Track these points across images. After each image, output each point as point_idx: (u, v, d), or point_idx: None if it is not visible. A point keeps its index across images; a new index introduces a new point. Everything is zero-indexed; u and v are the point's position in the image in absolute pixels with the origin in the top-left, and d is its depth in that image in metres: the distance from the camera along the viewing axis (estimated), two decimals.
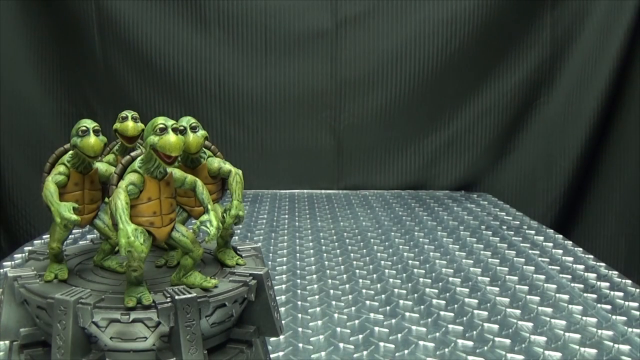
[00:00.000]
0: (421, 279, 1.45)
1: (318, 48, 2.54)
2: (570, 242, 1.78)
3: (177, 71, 2.52)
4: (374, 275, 1.47)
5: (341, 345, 1.10)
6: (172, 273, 0.78)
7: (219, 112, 2.56)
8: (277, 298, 1.02)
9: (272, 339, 0.95)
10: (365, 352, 1.07)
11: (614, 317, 1.21)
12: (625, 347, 1.08)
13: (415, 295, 1.34)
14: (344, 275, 1.48)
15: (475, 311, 1.25)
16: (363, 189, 2.63)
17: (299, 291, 1.37)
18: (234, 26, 2.52)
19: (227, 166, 0.86)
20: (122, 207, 0.68)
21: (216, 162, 0.86)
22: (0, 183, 2.54)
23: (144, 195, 0.71)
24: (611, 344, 1.09)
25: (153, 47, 2.50)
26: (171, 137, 0.70)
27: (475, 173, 2.66)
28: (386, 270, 1.51)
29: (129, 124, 0.85)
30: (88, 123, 0.77)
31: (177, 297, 0.70)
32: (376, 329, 1.17)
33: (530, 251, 1.68)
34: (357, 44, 2.54)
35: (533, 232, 1.89)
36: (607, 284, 1.40)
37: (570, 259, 1.60)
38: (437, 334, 1.14)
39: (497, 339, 1.11)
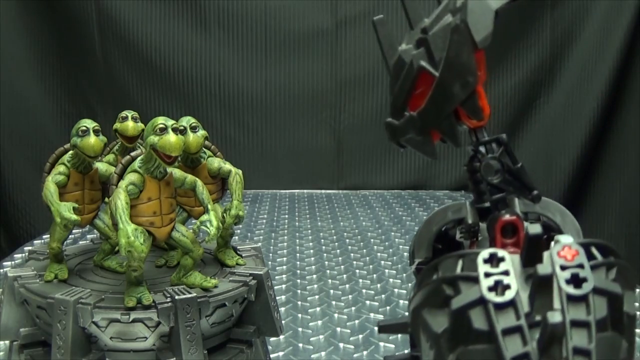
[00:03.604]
0: None
1: (318, 48, 2.54)
2: None
3: (177, 71, 2.52)
4: (374, 275, 1.47)
5: (341, 345, 1.10)
6: (172, 273, 0.78)
7: (219, 112, 2.56)
8: (277, 298, 1.02)
9: (272, 339, 0.95)
10: (365, 352, 1.07)
11: None
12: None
13: None
14: (344, 275, 1.48)
15: None
16: (363, 189, 2.63)
17: (299, 291, 1.37)
18: (234, 26, 2.52)
19: (227, 166, 0.86)
20: (122, 207, 0.68)
21: (216, 162, 0.86)
22: (0, 183, 2.54)
23: (144, 195, 0.72)
24: None
25: (153, 47, 2.50)
26: (171, 137, 0.70)
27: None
28: (386, 270, 1.51)
29: (129, 124, 0.85)
30: (88, 123, 0.77)
31: (177, 297, 0.70)
32: (376, 329, 1.17)
33: None
34: (357, 44, 2.54)
35: None
36: None
37: None
38: None
39: None
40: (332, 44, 2.54)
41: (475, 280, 0.41)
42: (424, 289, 0.45)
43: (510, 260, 0.41)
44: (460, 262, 0.45)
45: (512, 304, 0.39)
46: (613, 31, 2.46)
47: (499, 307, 0.39)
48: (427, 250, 0.59)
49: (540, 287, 0.39)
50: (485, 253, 0.42)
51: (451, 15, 0.47)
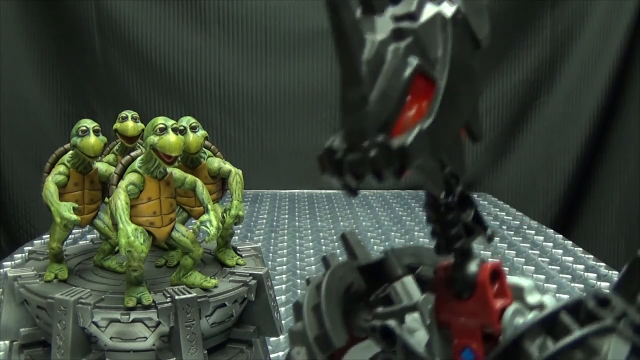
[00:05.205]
0: None
1: (318, 48, 2.54)
2: (570, 242, 1.77)
3: (177, 71, 2.52)
4: None
5: None
6: (172, 273, 0.78)
7: (219, 112, 2.56)
8: (277, 298, 1.02)
9: (272, 339, 0.95)
10: None
11: None
12: None
13: None
14: None
15: None
16: (363, 189, 2.62)
17: (299, 291, 1.37)
18: (234, 26, 2.52)
19: (227, 166, 0.86)
20: (122, 207, 0.68)
21: (216, 162, 0.86)
22: (0, 183, 2.54)
23: (144, 195, 0.72)
24: None
25: (153, 47, 2.50)
26: (171, 137, 0.70)
27: (475, 173, 2.66)
28: None
29: (129, 124, 0.85)
30: (88, 123, 0.77)
31: (177, 297, 0.70)
32: None
33: (530, 251, 1.68)
34: None
35: (533, 232, 1.89)
36: (607, 284, 1.40)
37: (570, 259, 1.60)
38: None
39: None
40: (332, 44, 2.54)
41: None
42: None
43: None
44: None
45: None
46: (613, 31, 2.46)
47: None
48: None
49: None
50: None
51: (434, 4, 0.36)
